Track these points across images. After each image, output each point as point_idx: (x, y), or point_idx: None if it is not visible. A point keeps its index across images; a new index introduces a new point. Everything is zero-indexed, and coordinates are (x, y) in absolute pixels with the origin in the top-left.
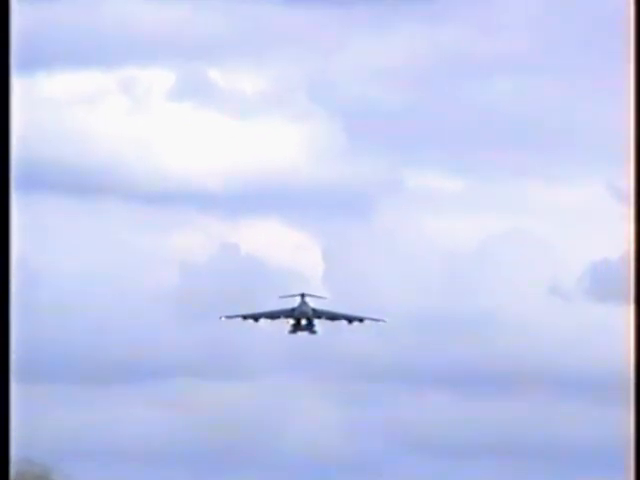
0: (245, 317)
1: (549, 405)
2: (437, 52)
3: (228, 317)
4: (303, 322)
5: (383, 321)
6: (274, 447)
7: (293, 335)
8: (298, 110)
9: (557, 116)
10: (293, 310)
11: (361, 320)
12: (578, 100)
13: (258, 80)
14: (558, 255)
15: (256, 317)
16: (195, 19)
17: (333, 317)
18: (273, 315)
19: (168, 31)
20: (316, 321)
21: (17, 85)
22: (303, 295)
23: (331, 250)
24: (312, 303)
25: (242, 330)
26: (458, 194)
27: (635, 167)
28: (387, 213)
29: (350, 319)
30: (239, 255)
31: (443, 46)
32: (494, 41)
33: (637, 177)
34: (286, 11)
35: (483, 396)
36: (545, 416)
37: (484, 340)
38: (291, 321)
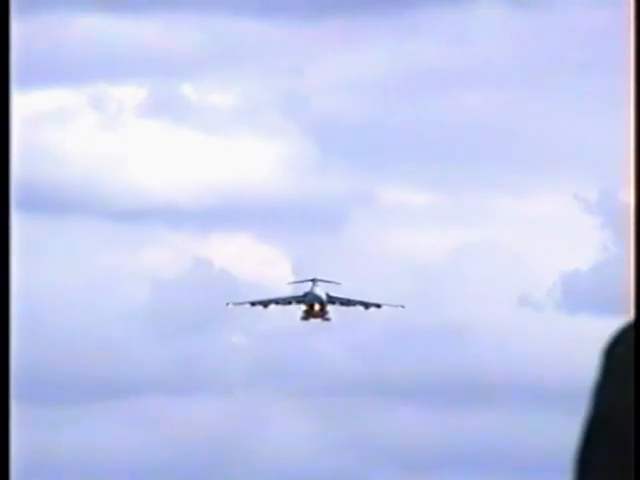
0: (253, 304)
1: (520, 416)
2: (409, 66)
3: (235, 304)
4: (316, 308)
5: (402, 307)
6: (249, 463)
7: (305, 322)
8: (270, 125)
9: (524, 129)
10: (305, 295)
11: (379, 306)
12: (545, 113)
13: (230, 95)
14: (528, 266)
15: (265, 303)
16: (167, 35)
17: (348, 303)
18: (283, 301)
19: (139, 47)
20: (330, 307)
21: None
22: (314, 280)
23: (301, 264)
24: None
25: (225, 338)
26: (428, 207)
27: (635, 168)
28: (358, 227)
29: (367, 305)
30: (212, 270)
31: (415, 60)
32: (464, 54)
33: (637, 179)
34: (258, 26)
35: (455, 408)
36: (517, 427)
37: (455, 351)
38: (303, 307)
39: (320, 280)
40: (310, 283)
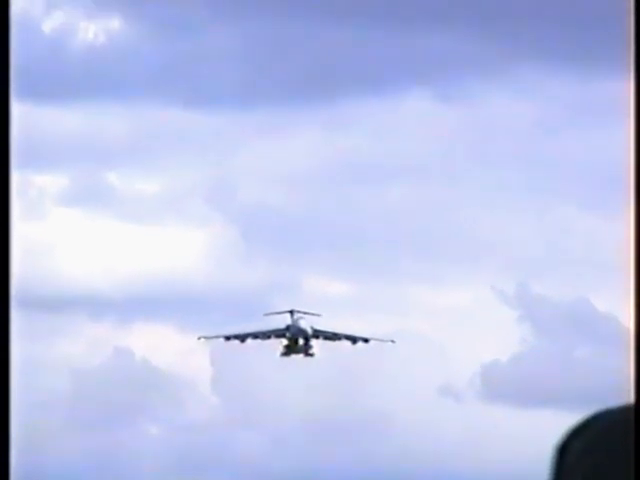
0: (228, 338)
1: None
2: (336, 157)
3: (207, 338)
4: (300, 342)
5: (392, 342)
6: None
7: (286, 358)
8: (196, 214)
9: (443, 221)
10: (288, 328)
11: (366, 340)
12: (463, 206)
13: (156, 184)
14: (448, 356)
15: (242, 337)
16: (94, 123)
17: (334, 337)
18: (262, 335)
19: (64, 135)
20: (314, 341)
21: None
22: (292, 312)
23: (219, 355)
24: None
25: (145, 428)
26: (349, 297)
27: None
28: (280, 316)
29: (354, 339)
30: (133, 360)
31: (342, 152)
32: (389, 148)
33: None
34: (186, 115)
35: None
36: None
37: (373, 443)
38: (284, 342)
39: (298, 311)
40: (288, 315)
